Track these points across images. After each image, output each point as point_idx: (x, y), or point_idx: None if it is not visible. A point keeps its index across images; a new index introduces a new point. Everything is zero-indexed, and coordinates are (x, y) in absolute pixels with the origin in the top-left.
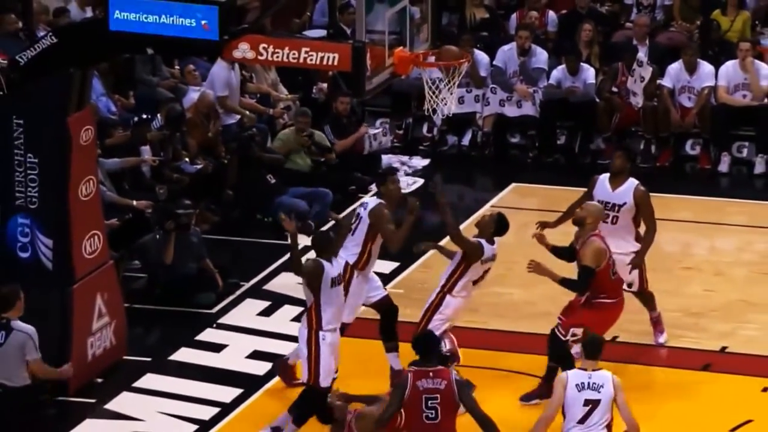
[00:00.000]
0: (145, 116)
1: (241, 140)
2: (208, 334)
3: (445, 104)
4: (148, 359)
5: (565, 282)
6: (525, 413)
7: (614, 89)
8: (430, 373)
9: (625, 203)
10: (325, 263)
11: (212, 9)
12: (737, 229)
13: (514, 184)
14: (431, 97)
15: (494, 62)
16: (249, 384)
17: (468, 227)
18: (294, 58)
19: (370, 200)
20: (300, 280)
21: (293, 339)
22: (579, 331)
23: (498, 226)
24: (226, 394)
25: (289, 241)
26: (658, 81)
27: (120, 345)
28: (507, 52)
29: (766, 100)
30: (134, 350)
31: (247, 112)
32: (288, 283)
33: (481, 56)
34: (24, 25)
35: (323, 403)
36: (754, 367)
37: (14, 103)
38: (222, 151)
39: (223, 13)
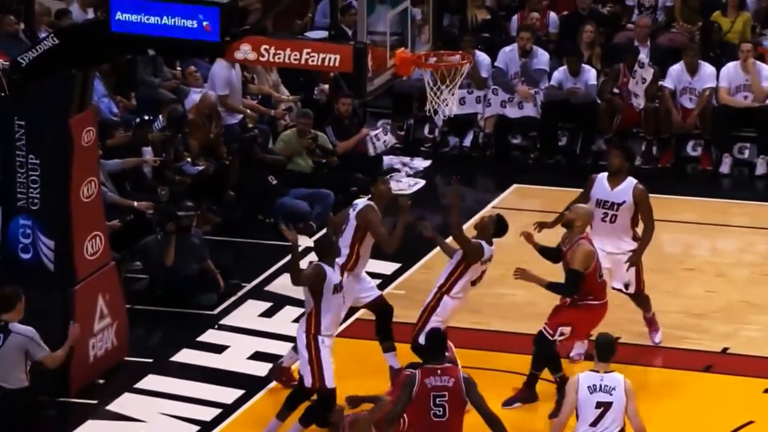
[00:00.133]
0: (146, 117)
1: (242, 141)
2: (210, 335)
3: (447, 105)
4: (150, 360)
5: (552, 286)
6: (525, 414)
7: (615, 90)
8: (438, 371)
9: (624, 202)
10: (328, 268)
11: (214, 10)
12: (739, 230)
13: (515, 186)
14: (432, 98)
15: (495, 63)
16: (250, 385)
17: (467, 228)
18: (295, 60)
19: (359, 201)
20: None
21: (295, 340)
22: (567, 329)
23: (497, 227)
24: (228, 395)
25: (290, 250)
26: (660, 82)
27: (121, 346)
28: (508, 53)
29: (767, 102)
30: (136, 351)
31: (249, 111)
32: (289, 284)
33: (483, 57)
34: (26, 27)
35: (332, 404)
36: (755, 368)
37: (16, 105)
38: (223, 153)
39: (225, 15)
